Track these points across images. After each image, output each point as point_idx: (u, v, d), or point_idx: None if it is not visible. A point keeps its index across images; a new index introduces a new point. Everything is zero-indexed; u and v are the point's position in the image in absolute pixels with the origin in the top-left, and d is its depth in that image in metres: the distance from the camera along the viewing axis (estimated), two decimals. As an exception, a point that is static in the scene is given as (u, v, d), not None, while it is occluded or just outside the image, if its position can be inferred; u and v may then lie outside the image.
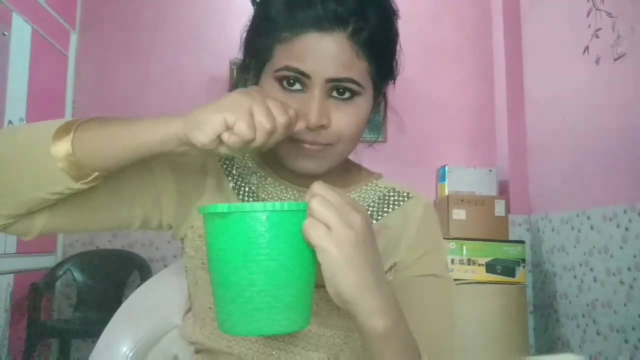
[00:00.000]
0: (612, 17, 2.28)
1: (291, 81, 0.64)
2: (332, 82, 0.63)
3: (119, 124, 0.59)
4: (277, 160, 0.72)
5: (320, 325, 0.71)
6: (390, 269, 0.73)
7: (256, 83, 0.70)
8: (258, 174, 0.76)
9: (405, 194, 0.79)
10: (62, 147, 0.56)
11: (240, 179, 0.76)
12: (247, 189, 0.75)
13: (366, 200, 0.78)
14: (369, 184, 0.79)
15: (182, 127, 0.56)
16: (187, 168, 0.73)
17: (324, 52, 0.62)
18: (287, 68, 0.63)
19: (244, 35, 0.71)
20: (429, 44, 3.27)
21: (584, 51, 2.47)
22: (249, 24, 0.71)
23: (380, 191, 0.79)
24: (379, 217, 0.76)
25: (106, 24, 3.23)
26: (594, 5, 2.41)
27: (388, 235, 0.74)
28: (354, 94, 0.65)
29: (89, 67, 3.18)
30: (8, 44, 2.47)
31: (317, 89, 0.63)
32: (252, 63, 0.70)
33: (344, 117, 0.65)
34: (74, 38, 3.15)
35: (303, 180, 0.73)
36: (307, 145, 0.65)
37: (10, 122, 2.48)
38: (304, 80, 0.64)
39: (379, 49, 0.66)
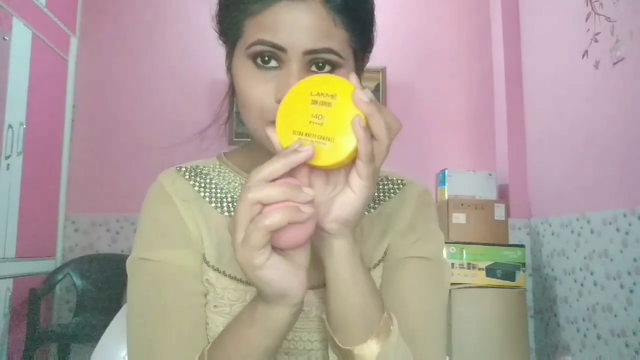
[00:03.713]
0: (610, 21, 2.29)
1: (265, 58, 0.59)
2: (310, 55, 0.58)
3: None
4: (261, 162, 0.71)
5: (320, 331, 0.67)
6: (385, 254, 0.71)
7: (230, 65, 0.65)
8: (238, 181, 0.72)
9: (399, 182, 0.76)
10: None
11: (218, 191, 0.71)
12: (229, 198, 0.71)
13: None
14: None
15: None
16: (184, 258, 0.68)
17: (299, 21, 0.58)
18: (259, 42, 0.59)
19: (215, 13, 0.66)
20: (429, 48, 3.27)
21: (583, 55, 2.47)
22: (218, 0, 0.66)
23: None
24: (375, 206, 0.73)
25: (106, 29, 3.23)
26: (592, 9, 2.42)
27: (383, 224, 0.72)
28: (334, 66, 0.60)
29: (89, 72, 3.18)
30: (8, 48, 2.47)
31: (294, 62, 0.58)
32: (225, 43, 0.66)
33: None
34: (74, 42, 3.15)
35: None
36: None
37: (10, 126, 2.48)
38: (279, 54, 0.59)
39: (357, 15, 0.61)
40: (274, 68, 0.60)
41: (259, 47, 0.59)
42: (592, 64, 2.41)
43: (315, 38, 0.58)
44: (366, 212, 0.72)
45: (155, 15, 3.26)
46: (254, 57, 0.60)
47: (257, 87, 0.60)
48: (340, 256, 0.56)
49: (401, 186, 0.76)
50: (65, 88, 3.08)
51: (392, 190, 0.75)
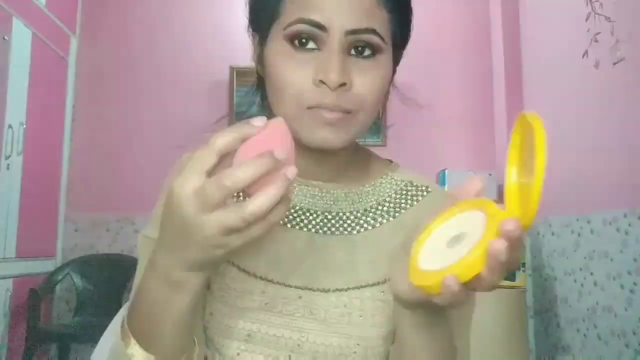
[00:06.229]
0: (610, 21, 2.29)
1: (304, 40, 0.57)
2: (352, 35, 0.57)
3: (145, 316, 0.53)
4: None
5: (328, 334, 0.64)
6: None
7: (260, 54, 0.64)
8: None
9: (424, 188, 0.72)
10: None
11: None
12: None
13: (382, 195, 0.70)
14: (384, 177, 0.72)
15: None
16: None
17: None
18: (300, 21, 0.57)
19: None
20: (429, 48, 3.27)
21: (583, 55, 2.47)
22: None
23: (397, 184, 0.71)
24: (396, 214, 0.69)
25: (106, 29, 3.23)
26: (592, 9, 2.42)
27: (405, 235, 0.70)
28: (375, 50, 0.59)
29: (89, 72, 3.18)
30: (8, 48, 2.47)
31: (335, 44, 0.56)
32: (258, 25, 0.63)
33: (367, 78, 0.58)
34: (74, 42, 3.15)
35: (309, 171, 0.67)
36: (327, 114, 0.58)
37: (10, 126, 2.48)
38: (319, 35, 0.57)
39: None
40: (312, 50, 0.58)
41: (298, 27, 0.57)
42: (592, 64, 2.41)
43: (357, 17, 0.56)
44: (385, 220, 0.69)
45: (155, 15, 3.26)
46: (292, 38, 0.58)
47: (295, 69, 0.58)
48: (410, 326, 0.53)
49: (425, 193, 0.72)
50: (65, 88, 3.08)
51: (415, 197, 0.71)
